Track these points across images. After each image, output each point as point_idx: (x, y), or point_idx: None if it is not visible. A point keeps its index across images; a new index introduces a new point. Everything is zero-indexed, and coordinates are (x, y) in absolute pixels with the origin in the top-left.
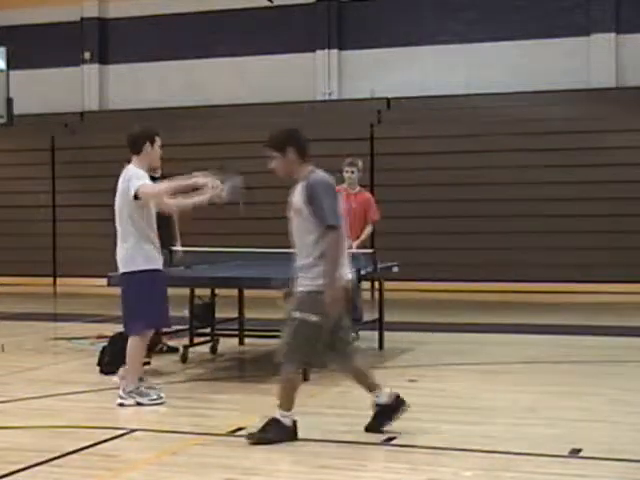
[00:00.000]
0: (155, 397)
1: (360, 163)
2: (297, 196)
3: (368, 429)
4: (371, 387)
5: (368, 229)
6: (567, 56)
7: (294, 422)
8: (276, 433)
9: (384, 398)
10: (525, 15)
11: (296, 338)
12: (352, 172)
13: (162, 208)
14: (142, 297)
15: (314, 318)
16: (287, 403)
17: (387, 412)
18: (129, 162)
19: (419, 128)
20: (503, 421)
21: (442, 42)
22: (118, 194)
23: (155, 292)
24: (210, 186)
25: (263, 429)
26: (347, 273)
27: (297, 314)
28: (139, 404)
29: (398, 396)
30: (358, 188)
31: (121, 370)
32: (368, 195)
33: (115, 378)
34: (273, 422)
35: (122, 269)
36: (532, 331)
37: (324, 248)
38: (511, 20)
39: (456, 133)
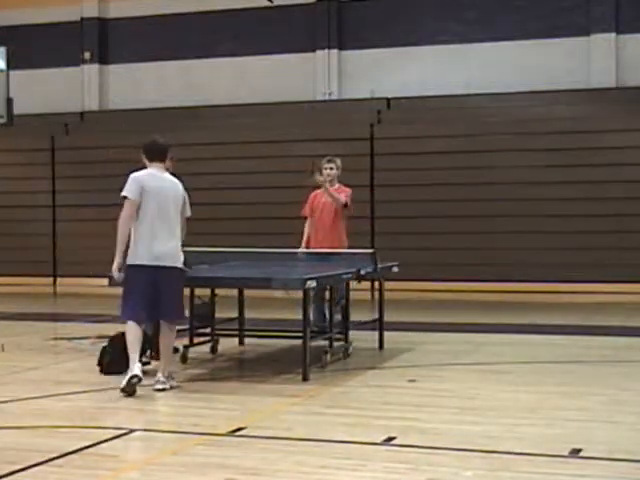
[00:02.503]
0: (175, 384)
1: (339, 162)
2: None
3: None
4: None
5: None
6: (567, 56)
7: None
8: None
9: None
10: (525, 15)
11: None
12: (331, 169)
13: None
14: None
15: None
16: None
17: None
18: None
19: (419, 128)
20: (503, 421)
21: (442, 42)
22: (173, 195)
23: None
24: None
25: None
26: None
27: None
28: (171, 387)
29: None
30: (337, 185)
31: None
32: (348, 189)
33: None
34: None
35: (176, 263)
36: (532, 331)
37: None
38: (511, 20)
39: (456, 133)
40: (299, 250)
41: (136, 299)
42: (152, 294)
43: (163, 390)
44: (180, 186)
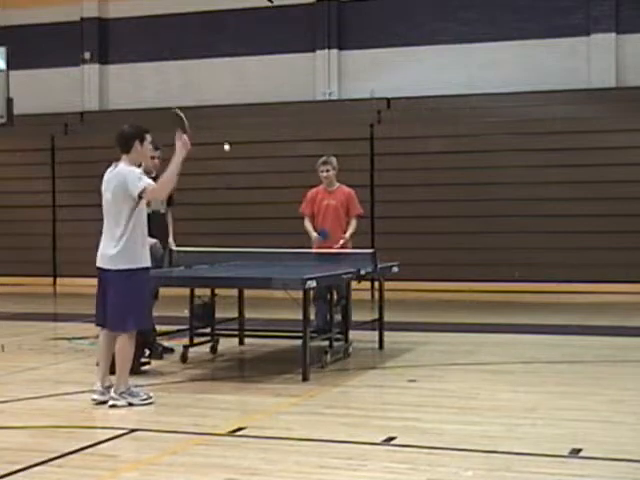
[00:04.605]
0: (145, 397)
1: (334, 161)
2: None
3: None
4: None
5: (353, 224)
6: (567, 56)
7: None
8: None
9: None
10: (525, 15)
11: None
12: (327, 170)
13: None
14: (135, 295)
15: None
16: None
17: None
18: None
19: (419, 128)
20: (503, 421)
21: (442, 42)
22: (110, 192)
23: (144, 290)
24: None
25: None
26: None
27: None
28: (130, 405)
29: None
30: (337, 185)
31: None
32: (348, 190)
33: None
34: None
35: (115, 266)
36: (532, 331)
37: None
38: (511, 20)
39: (456, 133)
40: (315, 235)
41: (96, 301)
42: (102, 296)
43: (115, 407)
44: (125, 170)
